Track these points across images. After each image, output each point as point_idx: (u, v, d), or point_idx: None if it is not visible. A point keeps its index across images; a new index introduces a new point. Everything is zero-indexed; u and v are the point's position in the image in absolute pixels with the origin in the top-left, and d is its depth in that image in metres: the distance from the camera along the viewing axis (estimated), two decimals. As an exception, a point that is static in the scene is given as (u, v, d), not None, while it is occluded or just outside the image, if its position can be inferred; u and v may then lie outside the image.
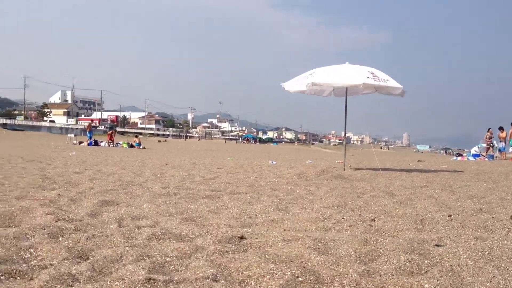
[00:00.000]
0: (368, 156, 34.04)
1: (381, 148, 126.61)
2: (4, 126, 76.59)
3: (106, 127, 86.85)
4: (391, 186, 8.97)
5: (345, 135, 15.33)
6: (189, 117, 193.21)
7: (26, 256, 3.50)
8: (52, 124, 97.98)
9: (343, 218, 5.33)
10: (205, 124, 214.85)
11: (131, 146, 33.30)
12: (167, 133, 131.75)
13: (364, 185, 9.30)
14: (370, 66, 12.13)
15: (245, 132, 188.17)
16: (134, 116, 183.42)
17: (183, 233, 4.38)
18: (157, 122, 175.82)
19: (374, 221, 5.24)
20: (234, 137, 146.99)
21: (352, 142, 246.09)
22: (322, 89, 12.93)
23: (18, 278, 3.00)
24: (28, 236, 4.04)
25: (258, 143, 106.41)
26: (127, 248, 3.71)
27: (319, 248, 3.87)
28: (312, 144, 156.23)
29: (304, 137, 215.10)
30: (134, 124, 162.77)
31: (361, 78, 10.97)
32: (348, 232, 4.63)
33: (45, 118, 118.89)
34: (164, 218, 5.11)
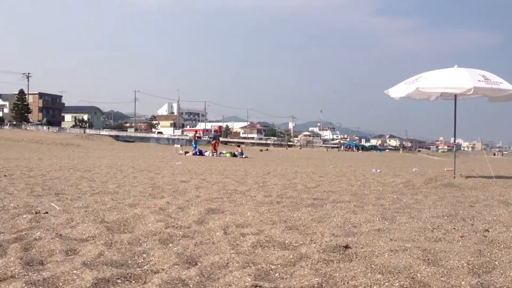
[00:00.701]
0: (480, 163, 32.24)
1: (494, 154, 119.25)
2: (117, 138, 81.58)
3: (210, 137, 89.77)
4: (506, 195, 8.41)
5: (454, 141, 14.61)
6: (290, 125, 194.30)
7: (140, 261, 3.69)
8: (160, 135, 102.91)
9: (454, 228, 5.08)
10: (306, 133, 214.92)
11: (234, 155, 34.06)
12: (269, 142, 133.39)
13: (476, 193, 8.81)
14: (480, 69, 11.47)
15: (347, 140, 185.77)
16: (236, 126, 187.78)
17: (287, 241, 4.40)
18: (259, 131, 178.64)
19: (488, 231, 4.94)
20: (336, 145, 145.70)
21: (462, 148, 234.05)
22: (429, 94, 12.45)
23: (133, 281, 3.16)
24: (141, 242, 4.26)
25: (360, 151, 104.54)
26: (233, 255, 3.79)
27: (428, 259, 3.71)
28: (419, 151, 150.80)
29: (409, 144, 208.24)
30: (237, 134, 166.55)
31: (471, 82, 10.41)
32: (460, 243, 4.39)
33: (153, 130, 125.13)
34: (268, 226, 5.16)
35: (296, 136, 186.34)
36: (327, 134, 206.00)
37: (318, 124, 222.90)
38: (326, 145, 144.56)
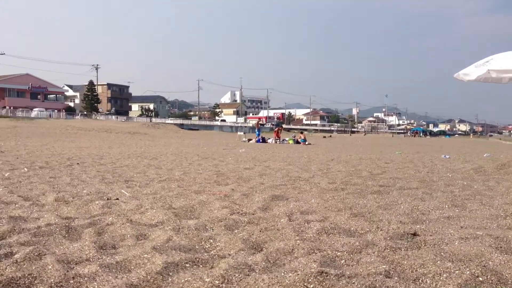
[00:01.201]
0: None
1: None
2: (181, 126, 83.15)
3: (273, 125, 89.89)
4: None
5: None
6: (354, 111, 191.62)
7: (207, 246, 3.76)
8: (223, 123, 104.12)
9: (529, 216, 4.85)
10: (370, 119, 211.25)
11: (297, 142, 33.97)
12: (332, 128, 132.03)
13: (552, 180, 8.36)
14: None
15: (414, 125, 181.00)
16: (299, 113, 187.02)
17: (352, 228, 4.35)
18: (322, 118, 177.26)
19: None
20: (402, 131, 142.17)
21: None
22: (501, 76, 11.88)
23: (201, 266, 3.23)
24: (207, 227, 4.34)
25: (428, 136, 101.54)
26: (298, 241, 3.79)
27: (501, 247, 3.57)
28: (490, 136, 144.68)
29: (480, 129, 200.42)
30: (299, 121, 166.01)
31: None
32: (536, 231, 4.19)
33: (216, 118, 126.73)
34: (333, 213, 5.12)
35: (360, 122, 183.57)
36: (392, 120, 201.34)
37: (383, 110, 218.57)
38: (392, 131, 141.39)
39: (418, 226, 4.38)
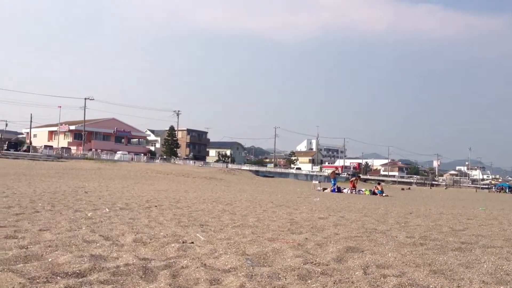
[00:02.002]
0: None
1: None
2: (257, 173, 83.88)
3: (349, 174, 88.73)
4: None
5: None
6: (435, 164, 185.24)
7: (279, 295, 3.71)
8: (298, 171, 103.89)
9: None
10: (452, 172, 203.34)
11: (373, 193, 33.20)
12: (411, 180, 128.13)
13: None
14: None
15: (499, 180, 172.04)
16: (376, 163, 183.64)
17: (431, 286, 4.16)
18: (400, 169, 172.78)
19: None
20: (486, 186, 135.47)
21: None
22: None
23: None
24: (280, 276, 4.29)
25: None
26: (373, 296, 3.66)
27: None
28: None
29: None
30: (377, 171, 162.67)
31: None
32: None
33: (292, 166, 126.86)
34: (411, 268, 4.92)
35: (441, 175, 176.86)
36: (476, 174, 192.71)
37: (466, 163, 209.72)
38: (475, 186, 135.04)
39: (502, 287, 4.12)
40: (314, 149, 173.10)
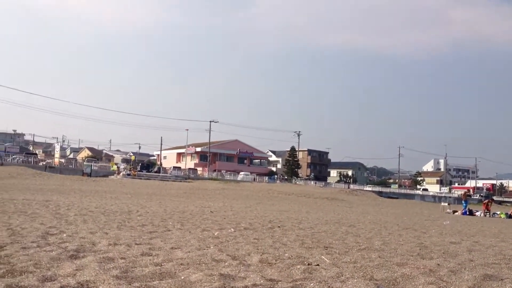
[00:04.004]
0: None
1: None
2: (380, 194, 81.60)
3: (482, 196, 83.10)
4: None
5: None
6: None
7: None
8: (425, 193, 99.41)
9: None
10: None
11: (510, 216, 30.78)
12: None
13: None
14: None
15: None
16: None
17: None
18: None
19: None
20: None
21: None
22: None
23: None
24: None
25: None
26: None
27: None
28: None
29: None
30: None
31: None
32: None
33: (418, 186, 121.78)
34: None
35: None
36: None
37: None
38: None
39: None
40: (442, 169, 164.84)
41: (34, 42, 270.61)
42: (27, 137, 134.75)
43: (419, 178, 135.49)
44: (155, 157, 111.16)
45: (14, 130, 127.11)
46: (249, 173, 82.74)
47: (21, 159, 53.52)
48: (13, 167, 45.16)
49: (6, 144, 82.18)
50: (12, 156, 55.44)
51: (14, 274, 4.56)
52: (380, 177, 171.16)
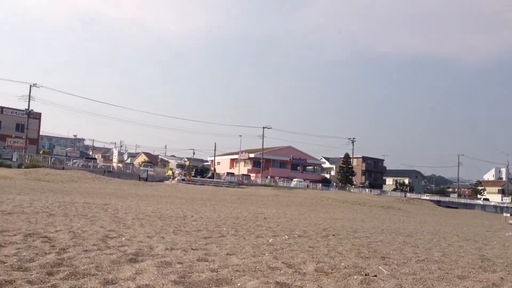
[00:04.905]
0: None
1: None
2: (438, 203, 79.27)
3: (546, 207, 79.20)
4: None
5: None
6: None
7: None
8: (486, 203, 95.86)
9: None
10: None
11: None
12: None
13: None
14: None
15: None
16: None
17: None
18: None
19: None
20: None
21: None
22: None
23: None
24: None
25: None
26: None
27: None
28: None
29: None
30: None
31: None
32: None
33: (478, 196, 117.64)
34: None
35: None
36: None
37: None
38: None
39: None
40: (504, 179, 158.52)
41: (95, 51, 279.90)
42: (87, 142, 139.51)
43: (480, 188, 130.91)
44: (209, 163, 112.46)
45: (75, 135, 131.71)
46: (302, 180, 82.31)
47: (81, 164, 55.40)
48: (74, 171, 46.75)
49: (67, 149, 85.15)
50: (73, 161, 57.39)
51: (77, 277, 4.70)
52: (438, 186, 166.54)
